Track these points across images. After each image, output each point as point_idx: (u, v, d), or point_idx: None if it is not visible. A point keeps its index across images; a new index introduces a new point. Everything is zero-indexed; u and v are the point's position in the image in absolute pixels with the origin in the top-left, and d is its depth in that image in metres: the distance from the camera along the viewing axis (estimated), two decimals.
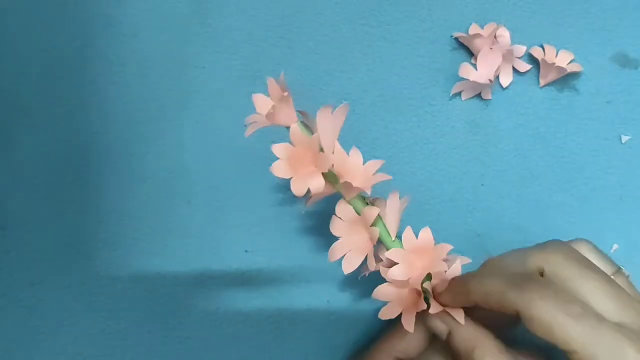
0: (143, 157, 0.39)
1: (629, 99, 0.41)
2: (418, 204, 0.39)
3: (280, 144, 0.30)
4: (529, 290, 0.26)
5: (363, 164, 0.32)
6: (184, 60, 0.40)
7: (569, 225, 0.40)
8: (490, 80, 0.39)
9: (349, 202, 0.32)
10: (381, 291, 0.32)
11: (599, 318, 0.25)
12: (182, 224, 0.39)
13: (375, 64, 0.41)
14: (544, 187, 0.40)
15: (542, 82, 0.41)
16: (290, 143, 0.31)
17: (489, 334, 0.29)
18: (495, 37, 0.40)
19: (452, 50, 0.41)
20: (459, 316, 0.30)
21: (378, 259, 0.33)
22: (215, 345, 0.38)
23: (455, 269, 0.31)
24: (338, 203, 0.32)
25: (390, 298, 0.32)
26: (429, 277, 0.32)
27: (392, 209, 0.32)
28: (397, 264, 0.31)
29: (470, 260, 0.32)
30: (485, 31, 0.40)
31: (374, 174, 0.32)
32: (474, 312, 0.30)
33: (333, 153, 0.31)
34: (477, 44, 0.39)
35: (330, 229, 0.33)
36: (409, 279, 0.31)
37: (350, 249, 0.32)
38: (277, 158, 0.30)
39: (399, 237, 0.32)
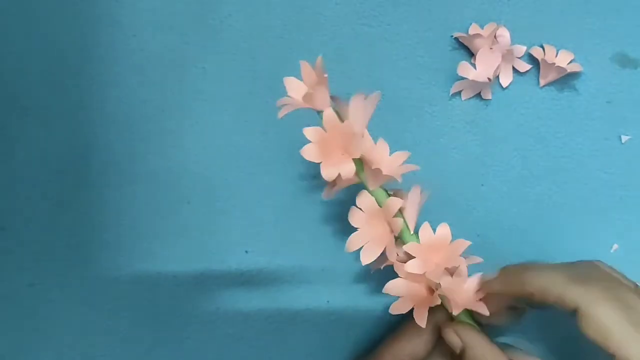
0: (143, 157, 0.39)
1: (629, 99, 0.41)
2: None
3: (311, 127, 0.30)
4: (592, 291, 0.26)
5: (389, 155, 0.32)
6: (184, 60, 0.40)
7: (569, 226, 0.40)
8: (489, 79, 0.39)
9: (372, 193, 0.32)
10: (393, 286, 0.32)
11: None
12: (182, 224, 0.39)
13: (375, 64, 0.41)
14: (544, 187, 0.40)
15: (542, 82, 0.41)
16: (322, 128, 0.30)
17: (503, 355, 0.29)
18: (495, 37, 0.40)
19: (452, 50, 0.41)
20: (474, 335, 0.30)
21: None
22: (215, 345, 0.38)
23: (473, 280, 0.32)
24: (359, 194, 0.32)
25: (401, 293, 0.32)
26: None
27: (412, 203, 0.32)
28: (414, 257, 0.32)
29: (481, 260, 0.32)
30: (485, 31, 0.40)
31: (401, 165, 0.32)
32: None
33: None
34: (477, 44, 0.39)
35: (349, 219, 0.32)
36: (424, 273, 0.31)
37: (369, 239, 0.32)
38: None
39: (415, 231, 0.33)
